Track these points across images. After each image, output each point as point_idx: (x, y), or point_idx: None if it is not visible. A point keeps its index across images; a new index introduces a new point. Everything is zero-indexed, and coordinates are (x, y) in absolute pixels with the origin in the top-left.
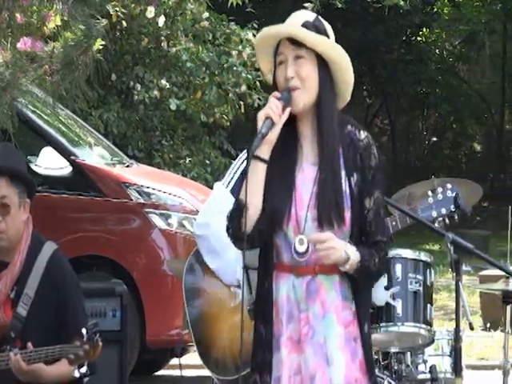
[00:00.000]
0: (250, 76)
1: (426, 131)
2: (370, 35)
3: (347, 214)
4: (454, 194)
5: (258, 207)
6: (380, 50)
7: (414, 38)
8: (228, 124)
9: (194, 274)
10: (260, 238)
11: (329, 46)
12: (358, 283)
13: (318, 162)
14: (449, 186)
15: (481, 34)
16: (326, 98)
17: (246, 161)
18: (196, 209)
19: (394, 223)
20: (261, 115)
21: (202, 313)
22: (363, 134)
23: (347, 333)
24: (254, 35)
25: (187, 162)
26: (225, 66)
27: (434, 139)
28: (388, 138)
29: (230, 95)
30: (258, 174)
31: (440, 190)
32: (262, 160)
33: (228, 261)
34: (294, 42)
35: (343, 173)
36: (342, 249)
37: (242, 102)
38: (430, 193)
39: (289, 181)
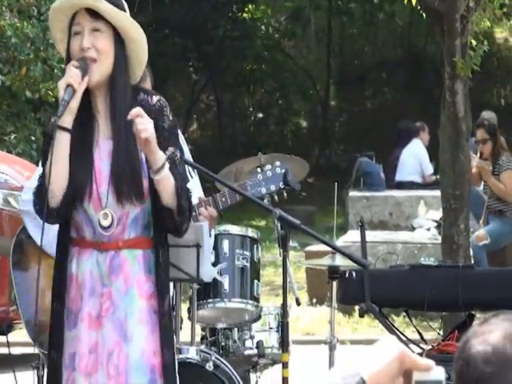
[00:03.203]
0: None
1: (252, 107)
2: (197, 11)
3: (145, 183)
4: (283, 171)
5: (65, 179)
6: (206, 26)
7: (240, 14)
8: (53, 100)
9: (21, 251)
10: (67, 212)
11: (128, 22)
12: (172, 221)
13: (113, 136)
14: (278, 163)
15: (306, 10)
16: (119, 73)
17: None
18: (21, 185)
19: (223, 199)
20: (61, 84)
21: (30, 289)
22: (155, 99)
23: (149, 305)
24: None
25: (12, 138)
26: (50, 41)
27: (260, 115)
28: (214, 114)
29: (56, 71)
30: (64, 144)
31: (269, 166)
32: (66, 130)
33: (54, 235)
34: (93, 14)
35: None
36: (162, 158)
37: None
38: (259, 169)
39: (87, 157)
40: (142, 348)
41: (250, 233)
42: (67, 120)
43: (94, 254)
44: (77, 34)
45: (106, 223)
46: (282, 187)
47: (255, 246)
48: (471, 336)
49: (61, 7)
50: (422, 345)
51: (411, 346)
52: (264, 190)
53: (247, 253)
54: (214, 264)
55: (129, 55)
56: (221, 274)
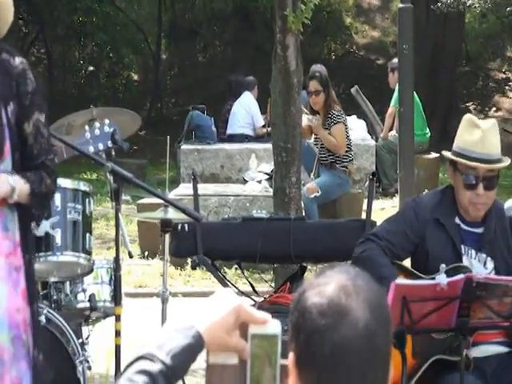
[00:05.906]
0: None
1: (82, 60)
2: None
3: (6, 144)
4: (111, 130)
5: None
6: None
7: None
8: None
9: None
10: None
11: None
12: (34, 208)
13: None
14: (106, 121)
15: None
16: None
17: None
18: None
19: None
20: None
21: None
22: (18, 60)
23: (8, 263)
24: None
25: None
26: None
27: (91, 68)
28: (45, 67)
29: None
30: None
31: (98, 125)
32: None
33: None
34: None
35: (1, 103)
36: (5, 181)
37: None
38: (87, 127)
39: None
40: (6, 305)
41: (82, 186)
42: None
43: None
44: None
45: None
46: (111, 146)
47: (87, 199)
48: (307, 287)
49: None
50: (254, 297)
51: (243, 298)
52: (92, 149)
53: (79, 206)
54: (46, 218)
55: None
56: (53, 228)
